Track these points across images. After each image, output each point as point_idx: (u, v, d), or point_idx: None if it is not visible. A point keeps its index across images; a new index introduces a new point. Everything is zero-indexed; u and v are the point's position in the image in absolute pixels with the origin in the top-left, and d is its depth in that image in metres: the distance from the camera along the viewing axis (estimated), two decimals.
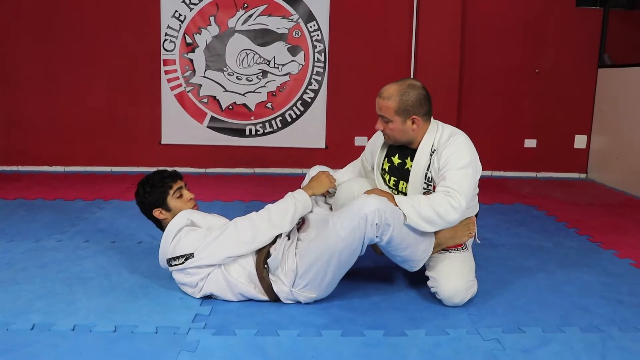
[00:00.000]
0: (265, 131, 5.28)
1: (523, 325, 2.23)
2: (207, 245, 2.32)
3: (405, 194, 2.51)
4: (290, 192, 2.52)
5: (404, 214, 2.27)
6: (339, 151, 5.32)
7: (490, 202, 4.27)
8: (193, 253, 2.32)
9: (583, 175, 5.43)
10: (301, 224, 2.54)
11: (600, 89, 5.24)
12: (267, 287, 2.34)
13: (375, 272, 2.78)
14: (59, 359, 1.93)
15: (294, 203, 2.46)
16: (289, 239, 2.42)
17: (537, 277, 2.74)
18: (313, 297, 2.36)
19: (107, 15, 5.09)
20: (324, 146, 5.31)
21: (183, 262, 2.33)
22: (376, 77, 5.24)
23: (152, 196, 2.49)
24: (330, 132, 5.32)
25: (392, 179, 2.60)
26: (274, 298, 2.36)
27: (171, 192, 2.50)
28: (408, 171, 2.50)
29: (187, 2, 5.06)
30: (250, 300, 2.39)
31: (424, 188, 2.46)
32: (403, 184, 2.54)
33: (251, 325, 2.19)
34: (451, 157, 2.37)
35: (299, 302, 2.37)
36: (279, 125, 5.28)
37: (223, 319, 2.24)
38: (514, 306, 2.41)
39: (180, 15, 5.08)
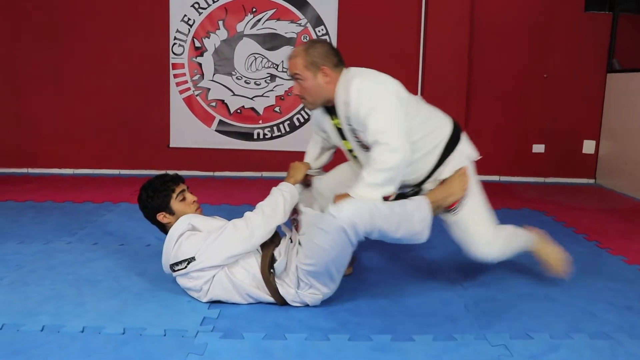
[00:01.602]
0: (273, 135, 5.29)
1: (531, 331, 2.22)
2: (207, 247, 2.33)
3: (351, 151, 2.51)
4: (273, 187, 2.56)
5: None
6: (344, 156, 5.32)
7: (497, 207, 4.23)
8: (194, 256, 2.33)
9: (591, 181, 5.41)
10: (297, 225, 2.55)
11: (609, 94, 5.23)
12: (274, 291, 2.35)
13: (383, 276, 2.78)
14: None
15: (281, 193, 2.50)
16: (291, 242, 2.43)
17: (544, 282, 2.73)
18: (319, 298, 2.36)
19: (116, 19, 5.13)
20: None
21: (185, 267, 2.34)
22: None
23: (155, 200, 2.50)
24: None
25: (344, 140, 2.56)
26: (281, 301, 2.37)
27: (174, 195, 2.51)
28: (341, 129, 2.48)
29: (196, 6, 5.08)
30: (258, 302, 2.40)
31: (357, 143, 2.42)
32: (347, 143, 2.52)
33: (259, 328, 2.20)
34: (360, 105, 2.28)
35: (306, 305, 2.38)
36: (287, 129, 5.29)
37: (231, 322, 2.25)
38: (521, 312, 2.40)
39: (189, 19, 5.10)
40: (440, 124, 2.50)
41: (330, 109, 2.50)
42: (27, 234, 3.37)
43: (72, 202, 4.18)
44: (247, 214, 2.44)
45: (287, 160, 5.24)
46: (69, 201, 4.20)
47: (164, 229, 2.54)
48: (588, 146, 5.37)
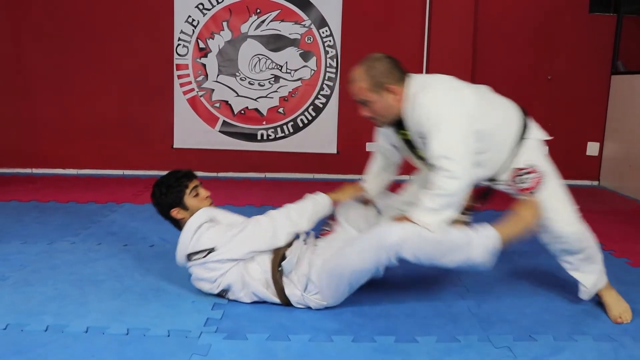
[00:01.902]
0: (277, 136, 5.30)
1: (534, 333, 2.22)
2: (229, 240, 2.35)
3: (424, 159, 2.41)
4: (308, 194, 2.57)
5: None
6: (350, 156, 5.33)
7: (501, 208, 4.24)
8: (214, 247, 2.34)
9: (595, 183, 5.39)
10: (325, 233, 2.57)
11: (614, 95, 5.22)
12: (280, 290, 2.35)
13: (387, 278, 2.77)
14: None
15: (313, 203, 2.51)
16: (305, 243, 2.43)
17: (548, 284, 2.72)
18: (323, 304, 2.36)
19: (120, 20, 5.14)
20: (335, 151, 5.32)
21: (204, 257, 2.35)
22: None
23: (168, 197, 2.52)
24: (342, 137, 5.32)
25: (415, 150, 2.48)
26: (286, 301, 2.37)
27: (187, 191, 2.53)
28: (410, 141, 2.43)
29: (201, 7, 5.09)
30: (263, 302, 2.41)
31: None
32: (419, 152, 2.45)
33: (262, 329, 2.20)
34: (426, 124, 2.22)
35: (309, 307, 2.38)
36: (291, 130, 5.29)
37: (234, 323, 2.25)
38: (525, 314, 2.40)
39: (193, 20, 5.11)
40: (510, 114, 2.40)
41: (398, 122, 2.41)
42: (31, 233, 3.38)
43: (76, 202, 4.19)
44: (273, 212, 2.46)
45: (291, 161, 5.31)
46: (72, 201, 4.20)
47: (178, 224, 2.55)
48: (592, 148, 5.36)
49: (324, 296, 2.33)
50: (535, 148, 2.40)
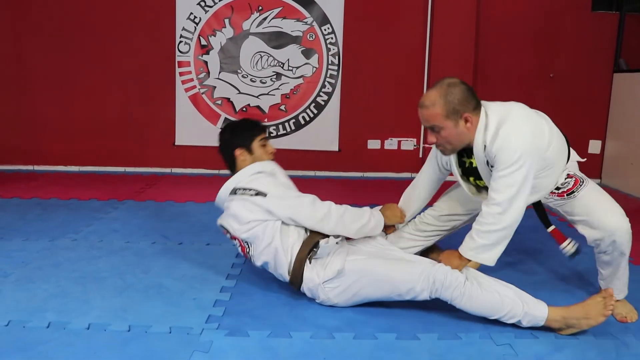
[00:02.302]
0: (279, 133, 5.29)
1: (536, 331, 2.21)
2: (282, 196, 2.40)
3: (486, 188, 2.38)
4: (369, 208, 2.58)
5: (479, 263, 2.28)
6: (351, 154, 5.33)
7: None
8: (267, 194, 2.37)
9: (597, 181, 5.39)
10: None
11: (616, 93, 5.21)
12: (297, 269, 2.34)
13: None
14: (74, 357, 1.95)
15: (369, 217, 2.52)
16: (337, 244, 2.43)
17: (550, 282, 2.72)
18: (330, 301, 2.36)
19: (122, 17, 5.14)
20: (337, 149, 5.32)
21: (252, 195, 2.37)
22: (390, 80, 5.26)
23: (239, 136, 2.58)
24: (344, 135, 5.32)
25: (471, 178, 2.47)
26: (296, 282, 2.36)
27: (258, 138, 2.59)
28: (476, 169, 2.37)
29: (202, 4, 5.09)
30: (264, 292, 2.41)
31: None
32: (480, 181, 2.43)
33: (264, 326, 2.20)
34: (498, 156, 2.18)
35: (312, 302, 2.39)
36: (292, 127, 5.29)
37: (236, 320, 2.25)
38: None
39: (195, 17, 5.11)
40: (563, 142, 2.41)
41: (466, 148, 2.36)
42: (33, 230, 3.38)
43: (78, 199, 4.19)
44: (330, 203, 2.46)
45: (292, 158, 5.31)
46: (74, 198, 4.21)
47: (234, 167, 2.58)
48: (594, 146, 5.35)
49: (340, 293, 2.33)
50: (573, 166, 2.47)
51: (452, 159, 2.44)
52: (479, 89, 5.17)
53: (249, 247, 2.43)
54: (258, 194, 2.38)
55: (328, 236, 2.38)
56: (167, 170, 5.37)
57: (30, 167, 5.34)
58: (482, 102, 2.31)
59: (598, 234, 2.31)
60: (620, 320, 2.35)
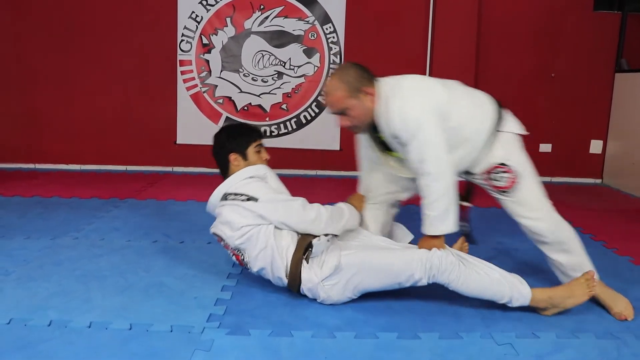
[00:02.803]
0: (280, 132, 5.30)
1: (537, 331, 2.22)
2: (274, 201, 2.39)
3: (402, 160, 2.48)
4: (342, 203, 2.63)
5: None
6: (353, 153, 5.27)
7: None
8: (258, 199, 2.37)
9: (598, 181, 5.39)
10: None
11: (617, 93, 5.20)
12: (294, 271, 2.34)
13: None
14: (75, 356, 1.95)
15: (348, 212, 2.56)
16: (328, 242, 2.43)
17: (551, 282, 2.71)
18: (331, 299, 2.36)
19: (124, 16, 5.14)
20: (338, 148, 5.32)
21: (244, 201, 2.37)
22: None
23: (235, 142, 2.57)
24: (345, 134, 5.31)
25: (388, 151, 2.57)
26: (293, 284, 2.36)
27: (254, 144, 2.60)
28: (385, 143, 2.48)
29: (204, 3, 5.09)
30: (267, 290, 2.43)
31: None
32: (396, 153, 2.52)
33: (265, 325, 2.20)
34: (401, 130, 2.29)
35: (313, 301, 2.39)
36: (294, 126, 5.29)
37: (237, 319, 2.25)
38: (527, 311, 2.39)
39: (197, 16, 5.11)
40: (482, 107, 2.46)
41: (373, 126, 2.45)
42: (34, 229, 3.39)
43: (79, 198, 4.20)
44: (319, 206, 2.48)
45: (294, 157, 5.31)
46: (75, 197, 4.21)
47: (227, 171, 2.57)
48: (595, 146, 5.35)
49: (341, 288, 2.33)
50: (510, 142, 2.46)
51: (369, 138, 2.58)
52: (480, 89, 5.18)
53: (242, 254, 2.42)
54: (250, 199, 2.37)
55: (319, 235, 2.40)
56: (169, 169, 5.37)
57: (31, 166, 5.34)
58: (378, 78, 2.44)
59: (528, 234, 2.50)
60: (618, 319, 2.35)
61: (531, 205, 2.44)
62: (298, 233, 2.41)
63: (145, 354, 1.98)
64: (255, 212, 2.36)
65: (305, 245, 2.36)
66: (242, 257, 2.43)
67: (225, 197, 2.43)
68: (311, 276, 2.34)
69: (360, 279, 2.32)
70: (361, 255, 2.36)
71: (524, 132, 2.52)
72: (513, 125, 2.49)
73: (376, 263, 2.33)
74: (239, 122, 2.72)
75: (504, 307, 2.41)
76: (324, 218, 2.42)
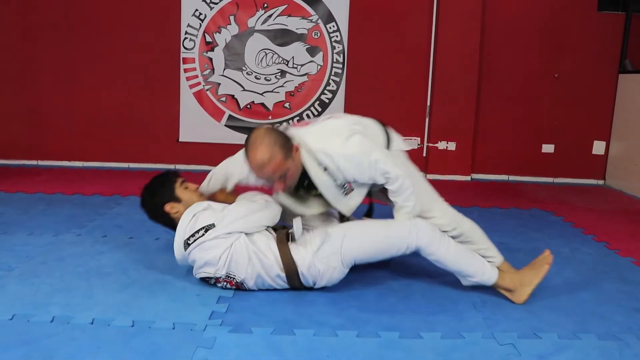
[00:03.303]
0: None
1: (539, 331, 2.22)
2: (228, 212, 2.40)
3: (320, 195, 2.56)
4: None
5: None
6: None
7: (506, 206, 4.25)
8: (214, 223, 2.36)
9: (601, 182, 5.38)
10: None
11: (621, 94, 5.20)
12: (285, 254, 2.38)
13: (391, 273, 2.78)
14: (78, 352, 1.96)
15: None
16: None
17: (553, 283, 2.71)
18: (332, 267, 2.39)
19: (127, 13, 5.14)
20: None
21: (203, 234, 2.35)
22: (395, 79, 5.25)
23: (159, 193, 2.56)
24: None
25: (311, 192, 2.65)
26: (290, 270, 2.38)
27: (177, 184, 2.58)
28: (313, 186, 2.53)
29: (208, 1, 5.09)
30: (268, 290, 2.46)
31: (344, 193, 2.52)
32: (315, 192, 2.60)
33: (267, 323, 2.20)
34: (352, 169, 2.41)
35: (316, 299, 2.40)
36: None
37: (239, 316, 2.26)
38: (529, 311, 2.40)
39: (200, 14, 5.11)
40: (376, 133, 2.64)
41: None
42: (37, 225, 3.39)
43: (82, 194, 4.20)
44: (263, 196, 2.58)
45: None
46: (78, 194, 4.22)
47: (173, 223, 2.55)
48: (598, 147, 5.35)
49: (336, 257, 2.38)
50: (397, 157, 2.64)
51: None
52: (483, 89, 5.22)
53: (234, 278, 2.41)
54: (207, 229, 2.36)
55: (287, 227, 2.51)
56: (171, 166, 5.37)
57: (34, 162, 5.35)
58: (290, 131, 2.49)
59: None
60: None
61: (424, 206, 2.57)
62: (270, 230, 2.47)
63: (147, 351, 1.98)
64: (219, 235, 2.35)
65: (284, 234, 2.44)
66: (235, 280, 2.42)
67: (186, 244, 2.39)
68: (303, 255, 2.38)
69: (350, 243, 2.39)
70: (346, 225, 2.50)
71: (408, 148, 2.79)
72: (399, 144, 2.71)
73: (363, 228, 2.47)
74: (152, 177, 2.66)
75: (505, 307, 2.42)
76: (273, 206, 2.52)
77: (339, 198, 2.52)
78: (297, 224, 2.44)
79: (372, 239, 2.42)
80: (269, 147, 2.30)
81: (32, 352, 1.95)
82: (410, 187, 2.47)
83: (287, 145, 2.35)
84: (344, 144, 2.40)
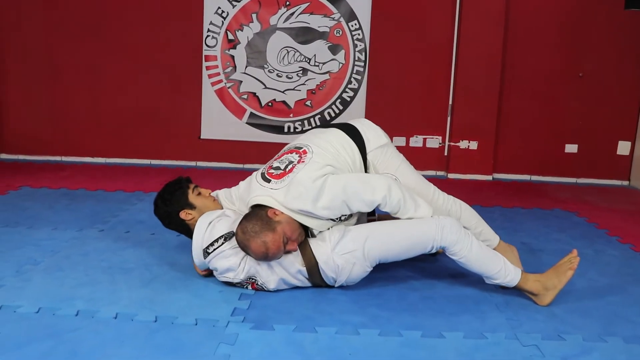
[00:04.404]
0: (304, 129, 5.29)
1: (563, 333, 2.19)
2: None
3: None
4: None
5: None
6: None
7: (529, 206, 4.21)
8: (233, 231, 2.36)
9: (625, 183, 5.30)
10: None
11: None
12: (305, 249, 2.38)
13: (413, 272, 2.77)
14: (102, 346, 1.98)
15: None
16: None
17: (577, 284, 2.68)
18: (351, 263, 2.38)
19: (151, 11, 5.18)
20: None
21: (222, 244, 2.36)
22: (416, 77, 5.23)
23: (173, 201, 2.55)
24: None
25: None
26: (311, 265, 2.38)
27: (190, 190, 2.58)
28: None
29: None
30: (288, 290, 2.46)
31: (343, 219, 2.51)
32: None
33: (289, 320, 2.21)
34: (340, 211, 2.40)
35: (337, 297, 2.40)
36: (318, 123, 5.29)
37: (261, 313, 2.26)
38: (553, 313, 2.37)
39: (222, 11, 5.13)
40: (345, 146, 2.61)
41: None
42: (62, 220, 3.43)
43: (104, 190, 4.25)
44: None
45: None
46: (101, 189, 4.26)
47: (188, 229, 2.55)
48: (623, 147, 5.26)
49: (358, 253, 2.37)
50: (379, 155, 2.65)
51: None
52: (506, 88, 5.17)
53: (255, 280, 2.42)
54: (226, 238, 2.37)
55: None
56: (192, 163, 5.41)
57: (58, 158, 5.41)
58: (257, 198, 2.44)
59: None
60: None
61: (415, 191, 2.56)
62: None
63: (171, 346, 2.00)
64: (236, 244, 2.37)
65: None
66: (257, 283, 2.43)
67: (206, 253, 2.41)
68: (323, 249, 2.38)
69: (374, 242, 2.38)
70: (365, 226, 2.47)
71: (385, 140, 2.71)
72: (375, 141, 2.66)
73: (389, 228, 2.44)
74: (165, 185, 2.65)
75: (529, 308, 2.40)
76: None
77: (340, 224, 2.51)
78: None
79: (397, 238, 2.40)
80: (255, 238, 2.28)
81: (58, 345, 1.97)
82: (400, 196, 2.42)
83: (266, 220, 2.31)
84: (315, 206, 2.35)
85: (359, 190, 2.39)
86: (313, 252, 2.38)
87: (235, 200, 2.70)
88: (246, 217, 2.36)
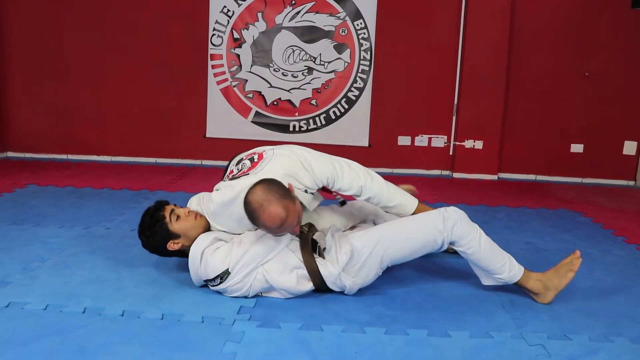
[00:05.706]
0: (309, 128, 5.30)
1: (569, 333, 2.19)
2: (239, 253, 2.31)
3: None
4: None
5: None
6: (381, 150, 5.31)
7: (534, 206, 4.20)
8: (228, 269, 2.30)
9: (631, 183, 5.29)
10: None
11: None
12: (313, 271, 2.34)
13: (419, 272, 2.77)
14: (109, 343, 1.99)
15: None
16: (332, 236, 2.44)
17: (583, 284, 2.68)
18: (358, 284, 2.37)
19: (156, 10, 5.19)
20: (367, 144, 5.31)
21: (220, 282, 2.33)
22: (422, 77, 5.22)
23: (157, 236, 2.45)
24: (374, 130, 5.31)
25: None
26: (319, 284, 2.36)
27: (167, 220, 2.45)
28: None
29: None
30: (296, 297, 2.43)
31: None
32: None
33: (295, 319, 2.21)
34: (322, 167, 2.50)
35: (343, 296, 2.40)
36: (323, 122, 5.29)
37: (268, 312, 2.27)
38: (559, 313, 2.37)
39: (228, 10, 5.14)
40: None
41: None
42: (68, 218, 3.45)
43: (110, 188, 4.26)
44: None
45: (322, 152, 5.29)
46: (107, 188, 4.27)
47: (182, 253, 2.49)
48: (629, 147, 5.25)
49: (364, 271, 2.36)
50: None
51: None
52: (511, 87, 5.16)
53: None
54: (222, 277, 2.31)
55: (312, 230, 2.52)
56: (198, 162, 5.42)
57: (64, 156, 5.43)
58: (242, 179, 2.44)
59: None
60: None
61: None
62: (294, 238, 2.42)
63: (177, 343, 2.00)
64: (237, 280, 2.31)
65: (309, 247, 2.37)
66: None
67: (207, 283, 2.39)
68: (330, 270, 2.35)
69: (382, 252, 2.36)
70: (373, 232, 2.43)
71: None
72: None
73: (397, 230, 2.41)
74: (141, 219, 2.54)
75: (534, 308, 2.40)
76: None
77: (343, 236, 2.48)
78: (328, 241, 2.39)
79: (406, 241, 2.38)
80: (278, 201, 2.17)
81: (65, 341, 1.98)
82: (388, 187, 2.52)
83: (287, 190, 2.25)
84: (313, 166, 2.47)
85: (344, 168, 2.52)
86: (320, 272, 2.35)
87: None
88: (266, 181, 2.24)
